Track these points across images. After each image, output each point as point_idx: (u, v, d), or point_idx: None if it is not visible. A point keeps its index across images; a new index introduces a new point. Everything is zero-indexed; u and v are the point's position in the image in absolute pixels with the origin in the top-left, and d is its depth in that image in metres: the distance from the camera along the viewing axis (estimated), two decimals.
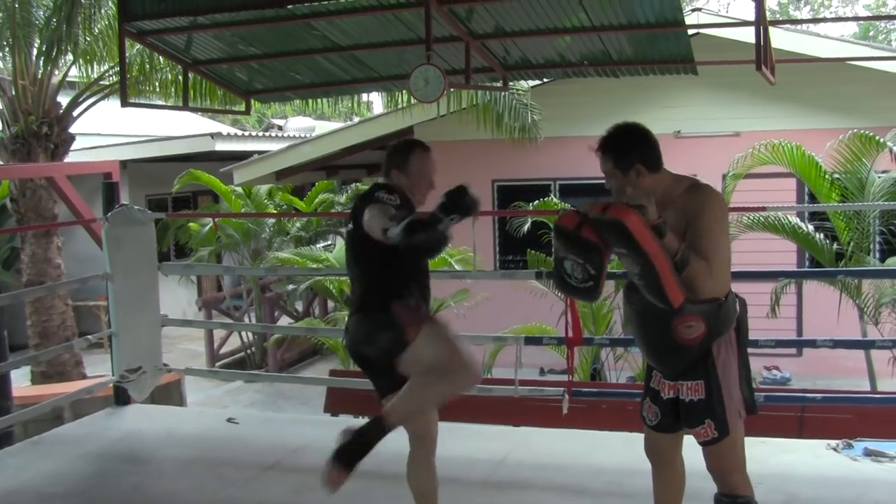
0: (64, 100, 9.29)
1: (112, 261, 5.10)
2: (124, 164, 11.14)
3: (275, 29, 4.54)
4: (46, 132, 8.84)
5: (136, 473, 4.26)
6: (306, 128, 17.14)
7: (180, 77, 6.24)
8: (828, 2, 28.84)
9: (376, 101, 22.13)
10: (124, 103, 5.01)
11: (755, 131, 9.08)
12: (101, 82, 9.24)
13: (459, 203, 2.73)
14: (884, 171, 7.51)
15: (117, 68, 7.66)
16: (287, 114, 24.61)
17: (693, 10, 9.02)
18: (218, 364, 11.46)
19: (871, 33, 26.32)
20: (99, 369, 8.32)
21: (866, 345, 6.73)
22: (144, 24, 4.53)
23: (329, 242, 13.60)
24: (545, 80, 8.27)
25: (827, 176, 7.40)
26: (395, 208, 2.84)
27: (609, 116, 3.01)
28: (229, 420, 5.10)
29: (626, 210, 2.48)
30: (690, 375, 2.64)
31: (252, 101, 5.87)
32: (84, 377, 8.66)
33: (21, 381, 8.47)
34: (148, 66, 8.13)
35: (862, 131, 7.26)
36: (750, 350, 2.78)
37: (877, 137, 7.23)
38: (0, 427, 4.77)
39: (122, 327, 5.12)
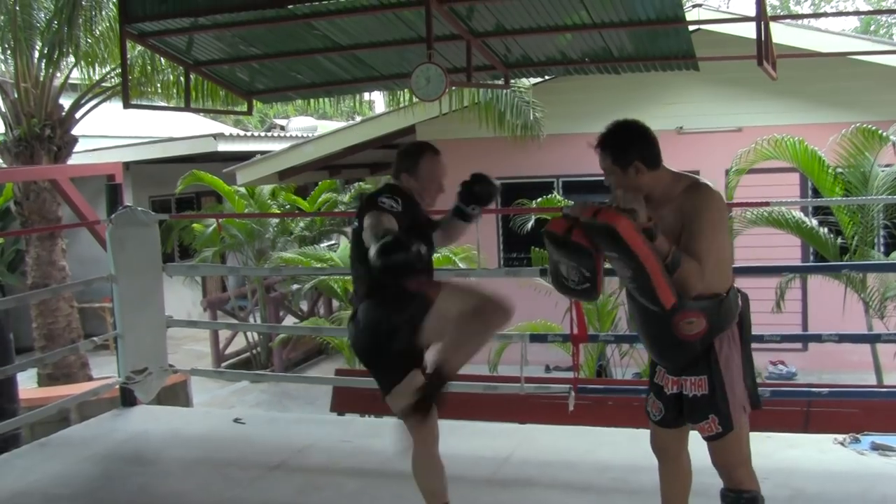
0: (66, 102, 9.29)
1: (116, 262, 5.10)
2: (127, 165, 11.13)
3: (275, 29, 4.54)
4: (49, 135, 8.84)
5: (142, 474, 4.27)
6: (308, 127, 17.13)
7: (182, 78, 6.26)
8: None
9: (378, 100, 22.17)
10: (126, 105, 5.03)
11: (757, 126, 9.04)
12: (103, 84, 9.24)
13: (480, 194, 2.70)
14: (887, 165, 7.49)
15: (119, 70, 7.69)
16: (289, 114, 24.64)
17: (694, 6, 8.97)
18: (223, 364, 11.46)
19: (872, 28, 26.21)
20: (105, 371, 8.34)
21: (872, 339, 6.71)
22: (145, 26, 4.53)
23: (333, 242, 13.62)
24: (547, 77, 8.28)
25: (830, 170, 7.39)
26: (396, 216, 2.84)
27: (611, 113, 3.00)
28: (236, 420, 5.10)
29: (616, 215, 2.47)
30: (693, 371, 2.65)
31: (254, 102, 5.87)
32: (90, 379, 8.68)
33: (27, 384, 8.50)
34: (149, 68, 8.12)
35: (864, 125, 7.25)
36: (755, 345, 2.78)
37: (879, 131, 7.22)
38: (7, 429, 4.78)
39: (128, 329, 5.13)
